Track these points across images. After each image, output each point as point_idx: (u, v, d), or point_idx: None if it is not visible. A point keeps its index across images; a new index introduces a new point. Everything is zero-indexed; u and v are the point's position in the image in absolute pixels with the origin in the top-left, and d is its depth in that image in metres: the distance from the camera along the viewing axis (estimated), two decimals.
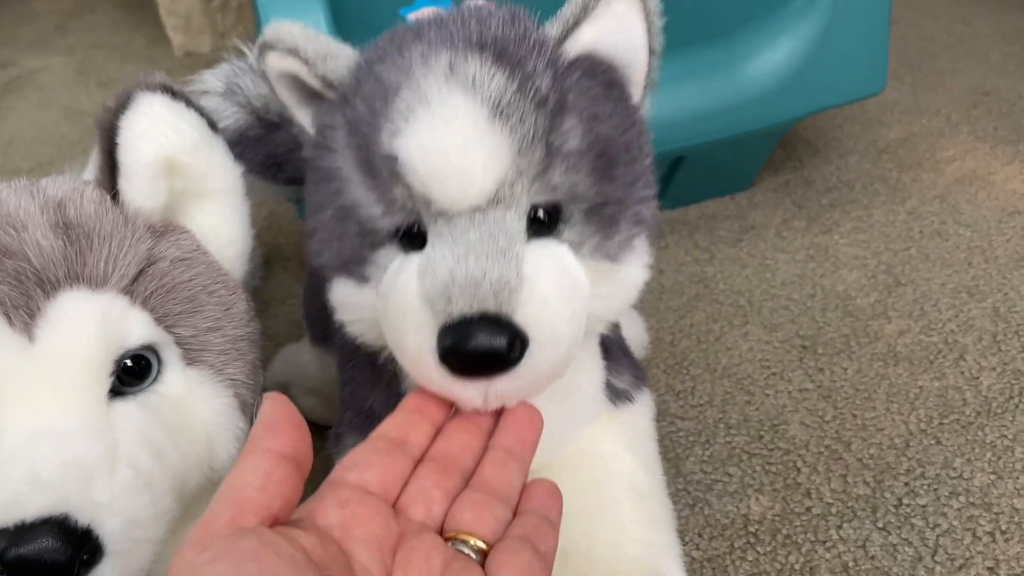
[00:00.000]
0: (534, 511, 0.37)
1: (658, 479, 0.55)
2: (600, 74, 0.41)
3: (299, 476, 0.31)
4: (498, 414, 0.41)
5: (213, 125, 0.47)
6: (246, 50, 0.71)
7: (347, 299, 0.44)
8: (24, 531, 0.35)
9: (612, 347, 0.55)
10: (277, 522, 0.30)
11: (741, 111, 0.86)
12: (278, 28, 0.43)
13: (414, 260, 0.40)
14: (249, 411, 0.47)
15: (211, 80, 0.69)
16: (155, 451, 0.40)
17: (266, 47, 0.43)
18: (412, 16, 0.98)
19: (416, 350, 0.39)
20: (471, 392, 0.40)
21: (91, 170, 0.52)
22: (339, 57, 0.43)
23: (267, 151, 0.70)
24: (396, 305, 0.40)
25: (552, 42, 0.41)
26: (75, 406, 0.39)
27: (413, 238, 0.41)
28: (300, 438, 0.31)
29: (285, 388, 0.75)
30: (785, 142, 1.09)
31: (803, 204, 0.99)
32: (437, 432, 0.40)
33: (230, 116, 0.69)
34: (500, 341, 0.37)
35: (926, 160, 1.04)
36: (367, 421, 0.54)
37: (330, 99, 0.44)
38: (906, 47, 1.30)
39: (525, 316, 0.38)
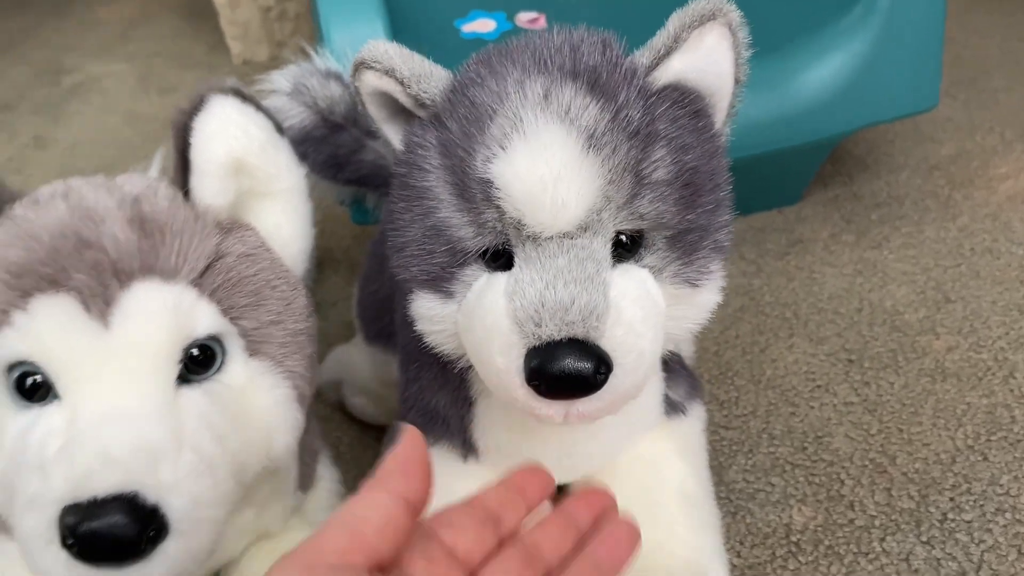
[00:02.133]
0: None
1: (707, 487, 0.57)
2: (688, 103, 0.42)
3: (414, 522, 0.32)
4: (599, 515, 0.40)
5: (279, 128, 0.49)
6: (313, 53, 0.72)
7: (430, 312, 0.45)
8: (96, 507, 0.36)
9: (671, 360, 0.57)
10: (381, 566, 0.30)
11: (792, 124, 0.86)
12: (375, 48, 0.44)
13: (500, 279, 0.42)
14: (305, 403, 0.49)
15: (279, 80, 0.71)
16: (218, 436, 0.42)
17: (363, 65, 0.45)
18: (467, 28, 0.99)
19: (503, 369, 0.41)
20: (553, 411, 0.41)
21: (154, 173, 0.54)
22: (432, 78, 0.44)
23: (330, 151, 0.72)
24: (483, 323, 0.42)
25: (642, 71, 0.42)
26: (145, 391, 0.41)
27: (498, 257, 0.43)
28: (426, 485, 0.32)
29: (337, 387, 0.77)
30: (835, 157, 1.09)
31: (852, 219, 0.99)
32: (529, 512, 0.39)
33: (296, 116, 0.70)
34: (587, 366, 0.39)
35: (978, 177, 1.04)
36: (431, 420, 0.56)
37: (421, 118, 0.45)
38: (961, 65, 1.29)
39: (611, 341, 0.39)
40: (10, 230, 0.42)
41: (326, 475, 0.60)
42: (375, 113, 0.48)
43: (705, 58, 0.43)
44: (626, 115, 0.40)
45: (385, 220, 0.70)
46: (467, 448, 0.54)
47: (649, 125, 0.41)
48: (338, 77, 0.70)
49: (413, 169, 0.44)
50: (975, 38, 1.37)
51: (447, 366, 0.49)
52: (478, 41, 0.92)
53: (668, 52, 0.42)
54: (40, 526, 0.37)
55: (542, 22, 0.97)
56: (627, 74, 0.42)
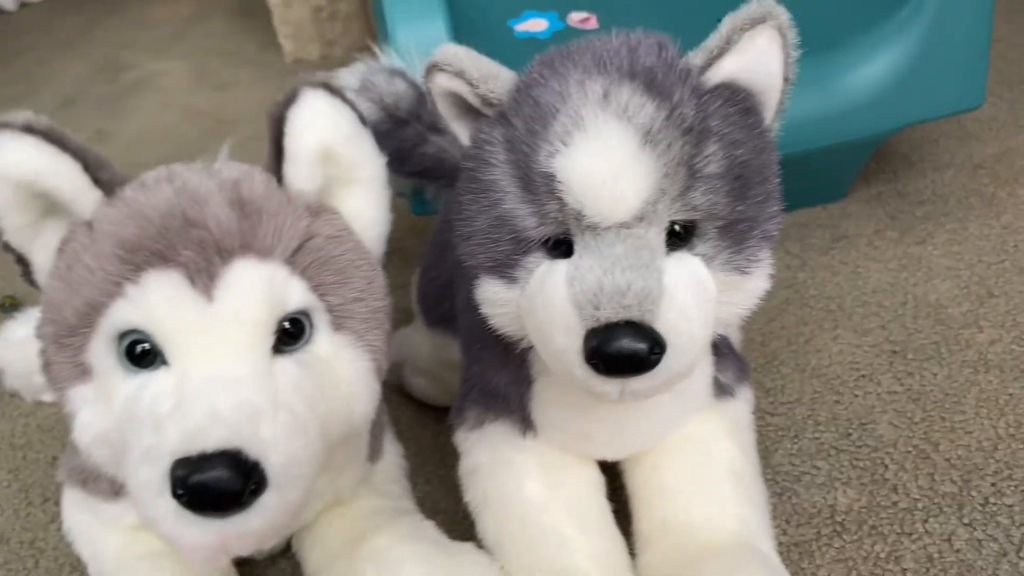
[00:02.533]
0: None
1: (754, 465, 0.59)
2: (739, 101, 0.45)
3: None
4: None
5: (363, 120, 0.52)
6: (379, 52, 0.76)
7: (494, 297, 0.49)
8: (204, 460, 0.40)
9: (720, 345, 0.60)
10: None
11: (838, 122, 0.88)
12: (446, 52, 0.48)
13: (560, 266, 0.45)
14: (382, 376, 0.53)
15: (347, 77, 0.75)
16: (308, 402, 0.46)
17: (435, 68, 0.48)
18: (520, 27, 1.02)
19: (562, 349, 0.44)
20: (609, 388, 0.45)
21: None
22: (499, 79, 0.48)
23: (395, 145, 0.75)
24: (544, 307, 0.45)
25: (696, 71, 0.45)
26: (246, 357, 0.44)
27: (559, 246, 0.46)
28: None
29: (396, 368, 0.81)
30: (879, 154, 1.10)
31: (896, 216, 1.01)
32: None
33: (363, 111, 0.74)
34: (642, 346, 0.42)
35: (1023, 176, 1.04)
36: (492, 398, 0.59)
37: (488, 116, 0.49)
38: (1006, 65, 1.29)
39: (665, 324, 0.43)
40: (122, 210, 0.46)
41: (391, 449, 0.64)
42: (445, 112, 0.51)
43: (756, 59, 0.45)
44: (680, 113, 0.43)
45: (448, 211, 0.73)
46: (526, 424, 0.57)
47: (702, 122, 0.44)
48: (402, 74, 0.74)
49: (480, 164, 0.47)
50: (1021, 37, 1.37)
51: (508, 347, 0.53)
52: (531, 40, 0.96)
53: (721, 53, 0.45)
54: (153, 477, 0.41)
55: (593, 22, 1.00)
56: (681, 74, 0.44)
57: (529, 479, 0.57)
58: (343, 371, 0.49)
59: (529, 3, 1.02)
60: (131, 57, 1.84)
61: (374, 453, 0.61)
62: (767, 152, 0.46)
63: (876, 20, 0.89)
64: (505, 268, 0.48)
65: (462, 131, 0.52)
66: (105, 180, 0.47)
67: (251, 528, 0.41)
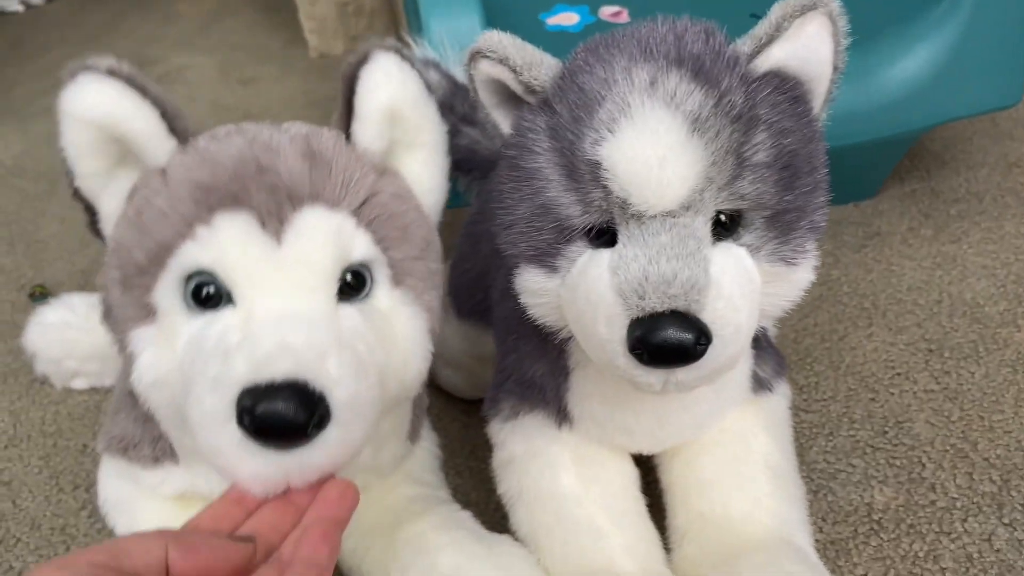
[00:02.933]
0: (302, 560, 0.39)
1: (792, 461, 0.59)
2: (788, 90, 0.44)
3: None
4: (316, 492, 0.43)
5: (428, 87, 0.53)
6: (412, 43, 0.76)
7: (535, 286, 0.48)
8: (273, 390, 0.40)
9: (761, 339, 0.59)
10: None
11: (873, 118, 0.87)
12: (490, 38, 0.47)
13: (603, 255, 0.44)
14: (435, 339, 0.53)
15: None
16: (369, 347, 0.46)
17: (479, 54, 0.48)
18: (551, 20, 1.02)
19: (606, 338, 0.44)
20: (652, 379, 0.44)
21: None
22: (543, 66, 0.47)
23: None
24: (587, 296, 0.45)
25: (744, 58, 0.44)
26: (313, 298, 0.45)
27: (602, 235, 0.45)
28: (201, 555, 0.36)
29: None
30: (912, 153, 1.09)
31: (930, 214, 1.00)
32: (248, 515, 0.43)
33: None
34: (688, 336, 0.41)
35: None
36: (527, 389, 0.59)
37: (530, 104, 0.48)
38: None
39: (711, 314, 0.42)
40: (195, 157, 0.47)
41: (428, 437, 0.64)
42: (486, 99, 0.51)
43: (805, 46, 0.44)
44: (729, 100, 0.42)
45: (482, 202, 0.73)
46: (561, 416, 0.57)
47: (750, 110, 0.43)
48: (436, 65, 0.74)
49: (523, 151, 0.46)
50: None
51: (546, 337, 0.52)
52: (562, 34, 0.95)
53: (770, 40, 0.44)
54: (219, 406, 0.41)
55: (624, 16, 0.99)
56: (730, 61, 0.44)
57: (564, 472, 0.56)
58: (400, 327, 0.50)
59: None
60: (157, 52, 1.85)
61: (414, 432, 0.61)
62: (815, 141, 0.45)
63: (911, 16, 0.88)
64: (546, 257, 0.47)
65: (503, 119, 0.51)
66: (180, 129, 0.48)
67: (312, 463, 0.42)
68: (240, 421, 0.40)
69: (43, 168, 1.40)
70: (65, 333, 0.81)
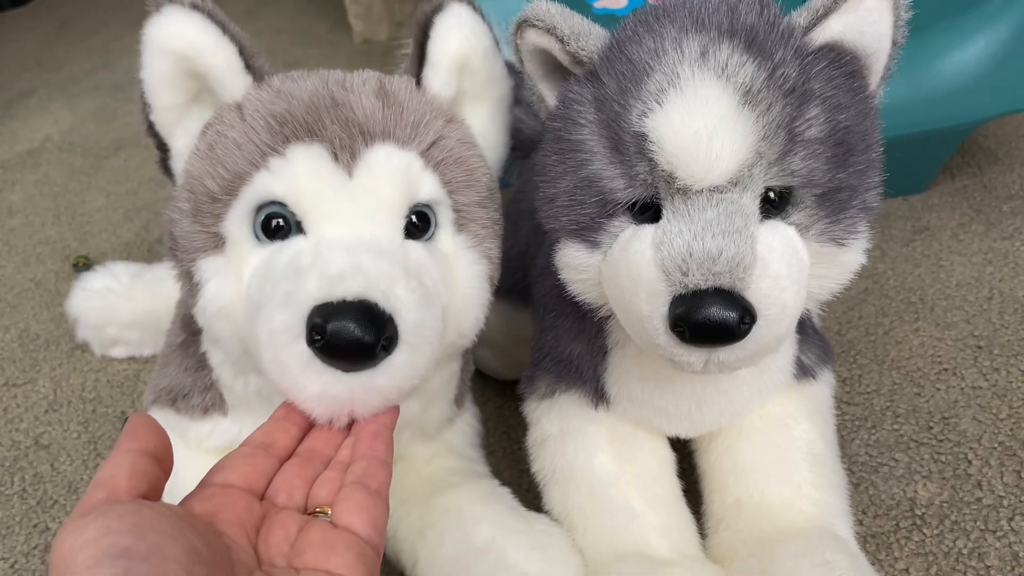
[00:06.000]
0: (363, 456, 0.41)
1: (834, 450, 0.57)
2: (844, 64, 0.43)
3: (161, 470, 0.34)
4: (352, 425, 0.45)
5: (497, 43, 0.54)
6: None
7: (575, 261, 0.47)
8: (344, 307, 0.41)
9: (806, 324, 0.58)
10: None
11: (925, 110, 0.85)
12: (537, 7, 0.47)
13: (647, 231, 0.43)
14: (492, 289, 0.54)
15: None
16: (434, 281, 0.47)
17: (525, 23, 0.47)
18: (599, 3, 1.00)
19: (646, 315, 0.42)
20: (694, 358, 0.43)
21: None
22: (591, 36, 0.46)
23: None
24: (628, 272, 0.43)
25: (799, 31, 0.43)
26: (382, 229, 0.46)
27: (645, 210, 0.44)
28: (160, 441, 0.35)
29: None
30: (964, 148, 1.06)
31: (982, 209, 0.97)
32: (305, 433, 0.44)
33: None
34: (732, 315, 0.40)
35: None
36: (564, 368, 0.58)
37: (576, 75, 0.47)
38: None
39: (756, 293, 0.41)
40: (271, 92, 0.48)
41: (471, 409, 0.64)
42: (532, 70, 0.50)
43: (864, 19, 0.43)
44: (782, 73, 0.41)
45: (524, 181, 0.72)
46: (598, 396, 0.56)
47: (804, 84, 0.41)
48: None
49: (568, 123, 0.46)
50: None
51: (585, 315, 0.51)
52: (610, 17, 0.94)
53: (827, 13, 0.43)
54: (290, 322, 0.41)
55: None
56: (784, 33, 0.42)
57: (599, 452, 0.55)
58: (462, 272, 0.51)
59: None
60: None
61: (460, 397, 0.61)
62: (871, 118, 0.44)
63: (967, 8, 0.85)
64: (588, 232, 0.46)
65: (549, 91, 0.50)
66: (256, 67, 0.49)
67: (377, 386, 0.42)
68: (310, 339, 0.40)
69: (90, 144, 1.42)
70: (107, 299, 0.82)
